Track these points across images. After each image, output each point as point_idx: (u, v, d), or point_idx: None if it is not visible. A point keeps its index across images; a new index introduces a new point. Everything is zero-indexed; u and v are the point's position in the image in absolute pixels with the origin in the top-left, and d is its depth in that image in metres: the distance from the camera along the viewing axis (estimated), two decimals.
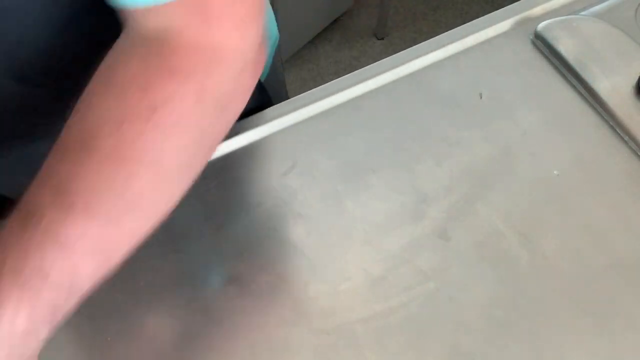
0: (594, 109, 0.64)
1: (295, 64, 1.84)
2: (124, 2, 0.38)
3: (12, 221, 0.36)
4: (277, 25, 0.69)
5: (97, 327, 0.52)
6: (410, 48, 0.68)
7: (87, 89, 0.38)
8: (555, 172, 0.60)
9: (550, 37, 0.68)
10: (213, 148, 0.45)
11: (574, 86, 0.65)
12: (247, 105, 0.47)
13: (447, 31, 0.69)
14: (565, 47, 0.67)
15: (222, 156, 0.61)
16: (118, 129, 0.36)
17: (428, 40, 0.68)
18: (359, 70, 0.67)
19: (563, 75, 0.66)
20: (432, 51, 0.68)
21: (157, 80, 0.37)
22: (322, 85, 0.66)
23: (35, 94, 0.50)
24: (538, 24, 0.69)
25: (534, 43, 0.69)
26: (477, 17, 0.70)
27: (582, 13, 0.69)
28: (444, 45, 0.68)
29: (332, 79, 0.68)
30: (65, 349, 0.51)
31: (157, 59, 0.38)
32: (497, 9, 0.71)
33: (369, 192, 0.58)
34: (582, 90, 0.65)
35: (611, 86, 0.64)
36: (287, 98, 0.65)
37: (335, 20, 1.93)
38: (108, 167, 0.36)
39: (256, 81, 0.45)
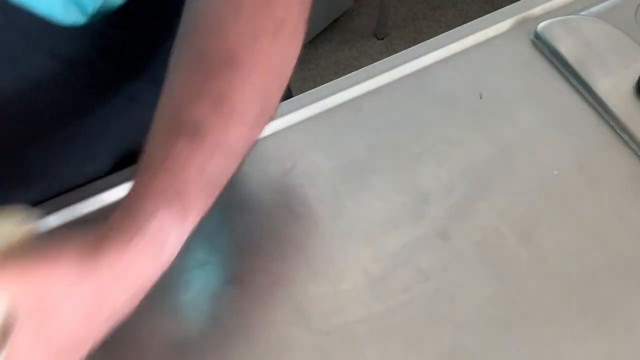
0: (594, 109, 0.64)
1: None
2: None
3: (179, 137, 0.39)
4: None
5: None
6: (410, 48, 0.68)
7: (211, 15, 0.42)
8: (555, 172, 0.60)
9: (550, 37, 0.68)
10: None
11: (574, 86, 0.65)
12: None
13: (447, 31, 0.69)
14: (565, 47, 0.67)
15: None
16: (254, 44, 0.42)
17: (428, 40, 0.68)
18: (359, 70, 0.67)
19: (563, 75, 0.66)
20: (432, 51, 0.67)
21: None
22: (322, 85, 0.66)
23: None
24: (538, 24, 0.69)
25: (534, 43, 0.69)
26: (477, 17, 0.70)
27: (582, 13, 0.69)
28: (444, 45, 0.68)
29: (332, 79, 0.68)
30: None
31: None
32: (497, 9, 0.71)
33: (368, 192, 0.58)
34: (582, 90, 0.65)
35: (611, 86, 0.64)
36: (292, 96, 0.65)
37: (335, 21, 1.93)
38: (253, 79, 0.41)
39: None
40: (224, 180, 0.42)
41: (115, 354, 0.51)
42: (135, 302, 0.39)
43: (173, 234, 0.38)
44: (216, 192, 0.42)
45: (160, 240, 0.38)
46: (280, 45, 0.43)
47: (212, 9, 0.43)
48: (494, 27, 0.70)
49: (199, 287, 0.54)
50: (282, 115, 0.63)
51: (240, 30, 0.42)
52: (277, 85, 0.44)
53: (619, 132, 0.62)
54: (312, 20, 0.46)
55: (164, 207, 0.37)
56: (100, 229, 0.37)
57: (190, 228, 0.40)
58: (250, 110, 0.42)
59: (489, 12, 0.71)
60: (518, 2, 0.72)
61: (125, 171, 0.60)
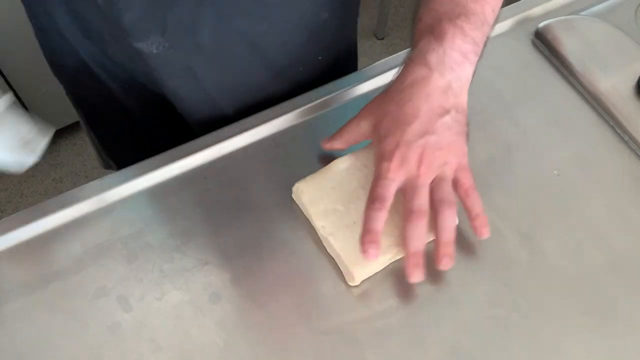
0: (594, 109, 0.64)
1: None
2: None
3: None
4: None
5: (99, 326, 0.52)
6: None
7: None
8: (555, 172, 0.60)
9: (550, 37, 0.68)
10: None
11: (574, 86, 0.65)
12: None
13: None
14: (565, 47, 0.67)
15: (222, 156, 0.61)
16: None
17: None
18: (359, 70, 0.67)
19: (563, 75, 0.66)
20: None
21: None
22: (323, 85, 0.66)
23: None
24: (538, 24, 0.69)
25: (534, 43, 0.69)
26: None
27: (582, 13, 0.69)
28: None
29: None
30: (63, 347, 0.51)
31: None
32: None
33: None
34: (582, 90, 0.65)
35: (611, 86, 0.64)
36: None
37: None
38: None
39: None
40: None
41: (114, 354, 0.51)
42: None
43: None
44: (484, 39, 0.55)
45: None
46: None
47: None
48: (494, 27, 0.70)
49: (199, 287, 0.54)
50: (282, 114, 0.63)
51: None
52: None
53: (619, 132, 0.62)
54: None
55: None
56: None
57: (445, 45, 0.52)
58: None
59: None
60: (518, 2, 0.72)
61: (125, 171, 0.60)
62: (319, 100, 0.64)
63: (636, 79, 0.63)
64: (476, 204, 0.53)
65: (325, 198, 0.56)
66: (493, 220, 0.57)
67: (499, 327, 0.52)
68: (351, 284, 0.54)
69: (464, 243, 0.56)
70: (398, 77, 0.54)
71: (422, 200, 0.51)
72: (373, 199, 0.51)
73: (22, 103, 1.50)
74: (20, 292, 0.54)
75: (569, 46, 0.67)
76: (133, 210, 0.58)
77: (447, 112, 0.52)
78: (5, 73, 1.41)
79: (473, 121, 0.63)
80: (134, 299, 0.53)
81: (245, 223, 0.57)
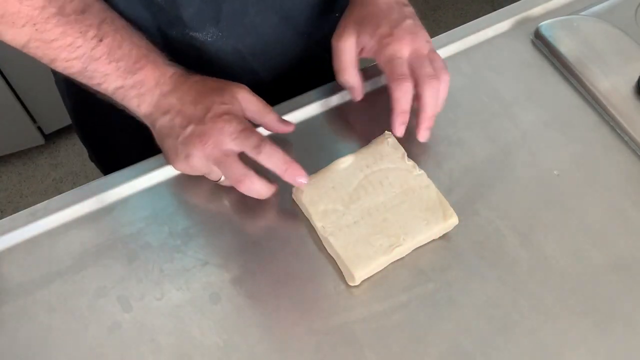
0: (594, 109, 0.64)
1: None
2: None
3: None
4: None
5: (99, 326, 0.52)
6: None
7: None
8: (555, 172, 0.60)
9: (550, 37, 0.68)
10: None
11: (574, 86, 0.65)
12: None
13: (447, 31, 0.69)
14: (565, 47, 0.67)
15: None
16: None
17: None
18: (359, 70, 0.67)
19: (563, 75, 0.66)
20: None
21: None
22: (323, 86, 0.66)
23: None
24: (538, 24, 0.69)
25: (534, 43, 0.69)
26: (477, 17, 0.70)
27: (582, 13, 0.69)
28: (444, 46, 0.68)
29: (332, 79, 0.68)
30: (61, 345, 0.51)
31: None
32: (497, 9, 0.71)
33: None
34: (582, 90, 0.65)
35: (611, 86, 0.64)
36: None
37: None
38: None
39: None
40: None
41: (114, 354, 0.51)
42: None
43: None
44: None
45: None
46: None
47: None
48: (494, 27, 0.70)
49: (199, 287, 0.54)
50: (282, 114, 0.63)
51: None
52: None
53: (619, 132, 0.62)
54: None
55: None
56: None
57: None
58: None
59: (489, 12, 0.71)
60: (518, 2, 0.72)
61: (125, 171, 0.60)
62: (319, 101, 0.64)
63: (636, 79, 0.63)
64: (444, 86, 0.59)
65: (325, 198, 0.56)
66: (493, 220, 0.57)
67: (499, 327, 0.52)
68: (351, 284, 0.54)
69: (464, 243, 0.56)
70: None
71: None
72: (398, 78, 0.56)
73: (22, 103, 1.50)
74: (20, 292, 0.54)
75: (569, 46, 0.67)
76: (133, 210, 0.58)
77: (405, 4, 0.61)
78: (5, 73, 1.41)
79: (473, 121, 0.63)
80: (134, 299, 0.53)
81: (245, 223, 0.57)
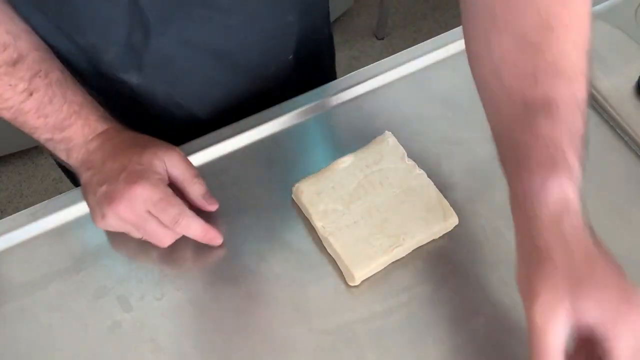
0: (594, 109, 0.64)
1: None
2: None
3: (537, 117, 0.44)
4: None
5: (99, 326, 0.52)
6: (410, 48, 0.68)
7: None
8: None
9: None
10: None
11: None
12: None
13: (447, 31, 0.69)
14: None
15: (222, 156, 0.61)
16: (564, 8, 0.48)
17: (428, 40, 0.68)
18: (359, 70, 0.67)
19: None
20: (432, 51, 0.68)
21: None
22: (323, 86, 0.66)
23: None
24: None
25: None
26: None
27: None
28: (444, 45, 0.68)
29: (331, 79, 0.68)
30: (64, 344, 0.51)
31: None
32: None
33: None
34: None
35: (611, 86, 0.64)
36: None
37: (335, 20, 1.93)
38: (573, 36, 0.49)
39: None
40: (584, 130, 0.46)
41: (114, 354, 0.51)
42: None
43: (571, 191, 0.44)
44: (583, 143, 0.46)
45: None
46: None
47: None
48: None
49: (199, 287, 0.54)
50: (282, 114, 0.63)
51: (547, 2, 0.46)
52: (587, 35, 0.49)
53: (619, 132, 0.62)
54: None
55: (554, 177, 0.43)
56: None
57: (578, 179, 0.45)
58: (580, 63, 0.47)
59: None
60: None
61: None
62: (319, 101, 0.64)
63: (636, 79, 0.63)
64: None
65: (325, 198, 0.56)
66: (493, 220, 0.57)
67: (499, 327, 0.52)
68: (351, 284, 0.54)
69: (464, 243, 0.56)
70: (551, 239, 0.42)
71: None
72: None
73: None
74: (20, 292, 0.54)
75: None
76: None
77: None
78: None
79: (473, 121, 0.63)
80: (134, 299, 0.53)
81: (245, 223, 0.57)
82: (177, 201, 0.53)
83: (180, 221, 0.52)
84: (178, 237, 0.54)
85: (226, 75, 0.63)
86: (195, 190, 0.55)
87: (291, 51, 0.65)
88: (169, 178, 0.54)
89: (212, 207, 0.56)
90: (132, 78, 0.59)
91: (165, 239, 0.53)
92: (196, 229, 0.53)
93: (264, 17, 0.60)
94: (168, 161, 0.54)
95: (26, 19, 0.52)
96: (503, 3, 0.46)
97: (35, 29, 0.53)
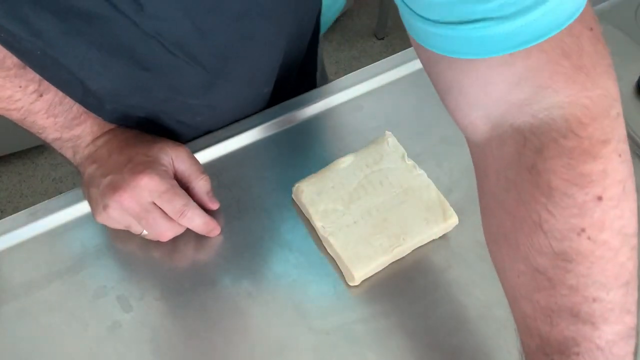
0: None
1: None
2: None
3: None
4: None
5: (99, 326, 0.52)
6: (410, 48, 0.68)
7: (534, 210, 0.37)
8: None
9: None
10: None
11: None
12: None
13: None
14: None
15: (222, 156, 0.61)
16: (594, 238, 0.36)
17: None
18: (359, 70, 0.67)
19: None
20: None
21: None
22: (323, 85, 0.66)
23: None
24: None
25: None
26: None
27: None
28: None
29: (332, 79, 0.68)
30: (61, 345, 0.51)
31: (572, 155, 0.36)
32: None
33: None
34: None
35: None
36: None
37: (336, 20, 1.93)
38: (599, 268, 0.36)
39: None
40: None
41: (114, 353, 0.51)
42: None
43: None
44: None
45: None
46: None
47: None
48: None
49: (199, 287, 0.54)
50: (282, 114, 0.63)
51: (563, 226, 0.36)
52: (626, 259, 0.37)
53: None
54: None
55: None
56: None
57: None
58: (614, 298, 0.36)
59: None
60: None
61: None
62: (319, 101, 0.64)
63: (636, 79, 0.63)
64: None
65: (325, 198, 0.56)
66: None
67: (499, 327, 0.52)
68: (351, 284, 0.54)
69: (464, 243, 0.56)
70: None
71: None
72: None
73: None
74: (20, 292, 0.54)
75: None
76: None
77: None
78: None
79: None
80: (134, 299, 0.53)
81: (245, 223, 0.57)
82: (183, 193, 0.53)
83: (185, 212, 0.53)
84: (180, 231, 0.54)
85: (195, 132, 0.63)
86: (202, 186, 0.56)
87: (268, 94, 0.63)
88: (175, 173, 0.55)
89: (214, 205, 0.56)
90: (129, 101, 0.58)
91: (167, 232, 0.53)
92: (199, 221, 0.54)
93: (235, 96, 0.59)
94: (175, 156, 0.54)
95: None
96: (514, 221, 0.38)
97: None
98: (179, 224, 0.54)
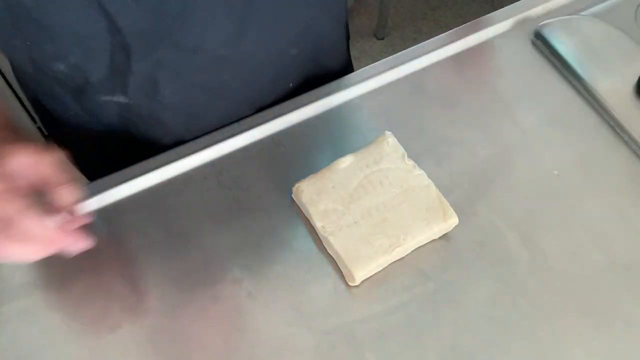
0: (594, 109, 0.64)
1: None
2: None
3: None
4: None
5: (99, 326, 0.52)
6: (410, 48, 0.68)
7: None
8: (555, 172, 0.60)
9: (550, 37, 0.68)
10: None
11: (574, 86, 0.65)
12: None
13: (447, 31, 0.69)
14: (565, 47, 0.67)
15: (222, 156, 0.61)
16: None
17: (428, 40, 0.69)
18: (359, 70, 0.67)
19: (563, 75, 0.66)
20: (432, 51, 0.68)
21: None
22: (323, 86, 0.66)
23: None
24: (538, 24, 0.69)
25: (534, 43, 0.69)
26: (477, 17, 0.70)
27: (582, 13, 0.69)
28: (444, 45, 0.68)
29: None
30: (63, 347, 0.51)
31: None
32: (497, 9, 0.71)
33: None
34: (582, 90, 0.65)
35: (611, 86, 0.64)
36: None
37: None
38: None
39: None
40: None
41: (114, 353, 0.51)
42: None
43: None
44: None
45: None
46: None
47: None
48: (494, 27, 0.70)
49: (200, 287, 0.54)
50: (282, 114, 0.63)
51: None
52: None
53: (619, 132, 0.62)
54: None
55: None
56: None
57: None
58: None
59: (489, 12, 0.71)
60: (518, 2, 0.72)
61: (125, 171, 0.60)
62: (319, 101, 0.64)
63: (636, 79, 0.63)
64: None
65: (325, 198, 0.56)
66: (493, 220, 0.57)
67: (499, 327, 0.52)
68: (351, 284, 0.54)
69: (464, 243, 0.56)
70: None
71: None
72: None
73: (22, 103, 1.50)
74: (20, 292, 0.54)
75: (569, 46, 0.67)
76: (133, 210, 0.58)
77: None
78: (3, 71, 1.41)
79: (473, 121, 0.63)
80: (134, 299, 0.53)
81: (245, 223, 0.57)
82: (25, 199, 0.43)
83: (22, 218, 0.43)
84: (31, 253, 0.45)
85: (216, 108, 0.62)
86: (61, 197, 0.47)
87: (292, 80, 0.64)
88: (31, 181, 0.46)
89: (77, 222, 0.48)
90: (120, 99, 0.58)
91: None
92: (39, 232, 0.43)
93: (263, 50, 0.58)
94: (28, 161, 0.45)
95: (4, 48, 0.51)
96: None
97: (15, 55, 0.53)
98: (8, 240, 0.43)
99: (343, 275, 0.54)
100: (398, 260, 0.55)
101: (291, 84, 0.64)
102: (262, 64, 0.60)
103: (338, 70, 0.71)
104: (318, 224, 0.55)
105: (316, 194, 0.56)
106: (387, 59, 0.68)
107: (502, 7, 0.71)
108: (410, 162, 0.58)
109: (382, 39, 1.93)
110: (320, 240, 0.56)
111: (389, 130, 0.60)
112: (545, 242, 0.56)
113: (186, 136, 0.63)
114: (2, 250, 0.43)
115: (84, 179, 0.76)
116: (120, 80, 0.56)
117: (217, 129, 0.63)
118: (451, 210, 0.55)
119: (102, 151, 0.67)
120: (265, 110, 0.64)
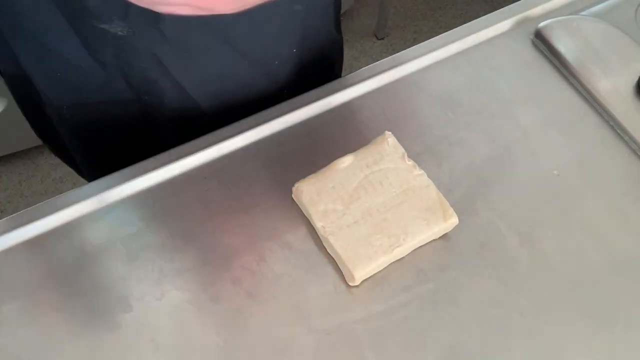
0: (594, 109, 0.64)
1: None
2: None
3: None
4: None
5: (99, 326, 0.52)
6: (410, 48, 0.68)
7: None
8: (555, 172, 0.60)
9: (550, 37, 0.68)
10: None
11: (574, 86, 0.65)
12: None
13: (447, 31, 0.69)
14: (565, 47, 0.67)
15: (222, 156, 0.61)
16: None
17: (428, 40, 0.69)
18: (359, 70, 0.67)
19: (563, 75, 0.66)
20: (432, 51, 0.68)
21: None
22: (323, 86, 0.66)
23: None
24: (538, 24, 0.69)
25: (534, 43, 0.69)
26: (477, 17, 0.70)
27: (582, 13, 0.69)
28: (444, 45, 0.68)
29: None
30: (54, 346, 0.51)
31: None
32: (497, 9, 0.71)
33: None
34: (582, 90, 0.65)
35: (611, 86, 0.64)
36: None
37: None
38: None
39: None
40: None
41: (114, 353, 0.51)
42: None
43: None
44: None
45: None
46: None
47: None
48: (494, 27, 0.70)
49: (199, 287, 0.54)
50: (281, 115, 0.63)
51: None
52: None
53: (619, 132, 0.62)
54: None
55: None
56: None
57: None
58: None
59: (489, 12, 0.71)
60: (518, 2, 0.72)
61: (125, 171, 0.60)
62: (319, 100, 0.64)
63: (636, 79, 0.63)
64: None
65: (325, 198, 0.56)
66: (493, 220, 0.57)
67: (499, 327, 0.52)
68: (351, 284, 0.54)
69: (464, 243, 0.56)
70: None
71: None
72: None
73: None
74: (20, 292, 0.54)
75: (569, 46, 0.67)
76: (133, 210, 0.58)
77: None
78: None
79: (473, 121, 0.63)
80: (134, 299, 0.53)
81: (245, 223, 0.57)
82: None
83: None
84: None
85: (217, 54, 0.60)
86: None
87: (295, 44, 0.64)
88: None
89: None
90: (118, 28, 0.56)
91: None
92: None
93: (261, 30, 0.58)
94: None
95: None
96: None
97: None
98: None
99: (343, 275, 0.54)
100: (398, 260, 0.55)
101: (295, 50, 0.63)
102: (267, 14, 0.59)
103: (324, 43, 0.70)
104: (318, 224, 0.55)
105: (316, 194, 0.56)
106: (387, 59, 0.68)
107: (502, 7, 0.71)
108: (410, 162, 0.58)
109: (382, 39, 1.93)
110: (320, 240, 0.56)
111: (389, 130, 0.60)
112: (545, 242, 0.56)
113: (189, 90, 0.61)
114: None
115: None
116: (120, 4, 0.54)
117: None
118: (451, 210, 0.55)
119: (94, 113, 0.65)
120: (265, 110, 0.64)
